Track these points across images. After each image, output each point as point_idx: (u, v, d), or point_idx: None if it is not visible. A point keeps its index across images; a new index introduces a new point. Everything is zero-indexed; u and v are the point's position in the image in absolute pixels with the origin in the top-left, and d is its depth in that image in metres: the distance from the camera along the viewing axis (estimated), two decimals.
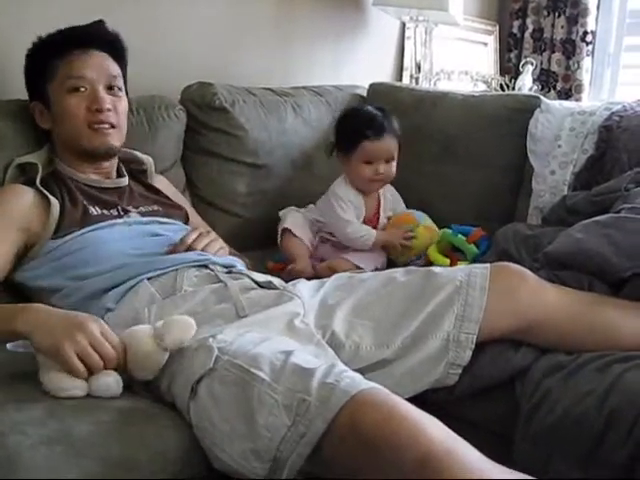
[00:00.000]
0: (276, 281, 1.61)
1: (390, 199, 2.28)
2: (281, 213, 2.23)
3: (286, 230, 2.14)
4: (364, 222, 2.17)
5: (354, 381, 1.14)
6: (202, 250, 1.64)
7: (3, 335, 1.30)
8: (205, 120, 2.27)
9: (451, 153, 2.45)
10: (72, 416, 1.19)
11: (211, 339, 1.29)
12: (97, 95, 1.69)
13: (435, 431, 1.05)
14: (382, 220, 2.23)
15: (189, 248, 1.63)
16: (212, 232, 1.75)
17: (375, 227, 2.19)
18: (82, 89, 1.68)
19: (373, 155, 2.11)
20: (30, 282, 1.61)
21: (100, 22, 1.76)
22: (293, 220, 2.16)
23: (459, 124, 2.47)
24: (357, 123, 2.14)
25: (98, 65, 1.71)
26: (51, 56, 1.70)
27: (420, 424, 1.05)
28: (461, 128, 2.46)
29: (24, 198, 1.62)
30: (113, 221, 1.68)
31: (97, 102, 1.68)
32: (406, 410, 1.08)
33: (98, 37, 1.73)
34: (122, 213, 1.72)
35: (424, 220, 2.19)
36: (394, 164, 2.16)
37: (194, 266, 1.59)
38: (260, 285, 1.57)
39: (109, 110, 1.71)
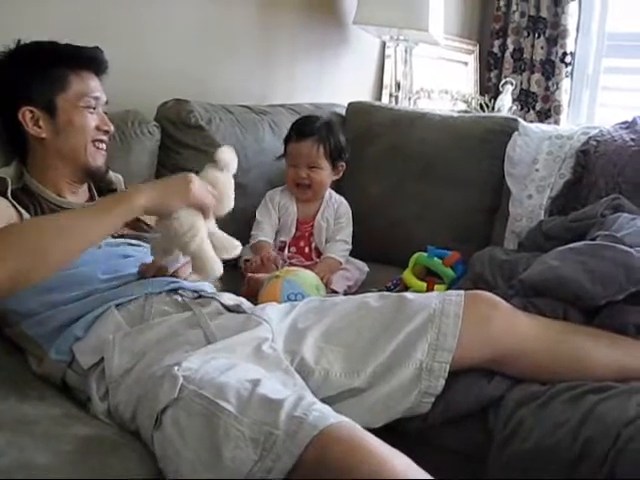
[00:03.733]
0: (245, 304, 1.59)
1: (332, 208, 2.32)
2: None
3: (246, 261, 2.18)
4: (296, 226, 2.27)
5: (323, 414, 1.11)
6: (173, 274, 1.60)
7: (120, 217, 1.34)
8: (180, 138, 2.25)
9: (429, 173, 2.45)
10: (33, 446, 1.16)
11: (176, 367, 1.26)
12: (104, 117, 1.73)
13: (399, 466, 1.03)
14: (318, 225, 2.28)
15: (160, 270, 1.59)
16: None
17: (309, 233, 2.28)
18: (94, 109, 1.70)
19: (294, 157, 2.24)
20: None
21: (98, 49, 1.76)
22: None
23: (437, 145, 2.47)
24: (292, 126, 2.27)
25: (100, 89, 1.74)
26: (65, 66, 1.68)
27: (384, 458, 1.03)
28: (439, 149, 2.46)
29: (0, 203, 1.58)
30: None
31: (106, 123, 1.72)
32: (372, 444, 1.06)
33: (103, 63, 1.74)
34: None
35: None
36: (321, 173, 2.24)
37: (164, 291, 1.56)
38: (229, 309, 1.55)
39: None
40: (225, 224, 2.20)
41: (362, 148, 2.53)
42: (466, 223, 2.37)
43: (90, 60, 1.72)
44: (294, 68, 2.97)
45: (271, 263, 2.08)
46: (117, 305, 1.49)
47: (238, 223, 2.22)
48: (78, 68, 1.69)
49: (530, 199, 2.20)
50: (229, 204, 1.52)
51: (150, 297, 1.53)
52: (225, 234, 1.53)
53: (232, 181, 1.54)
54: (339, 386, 1.45)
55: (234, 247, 1.53)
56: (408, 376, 1.46)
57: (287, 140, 2.27)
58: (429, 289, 1.98)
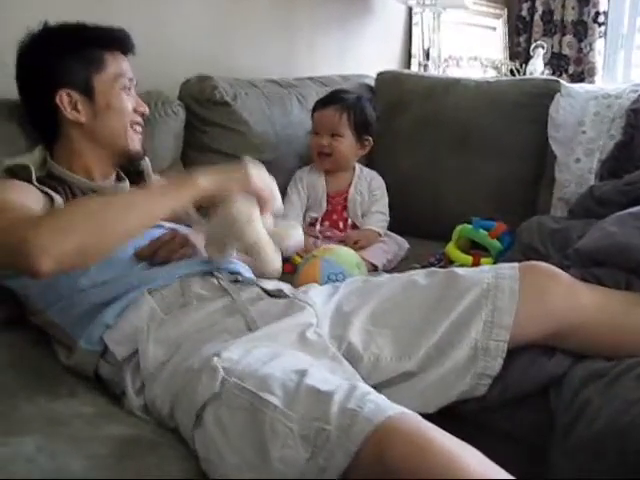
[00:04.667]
0: (286, 288, 1.51)
1: (365, 182, 2.29)
2: None
3: None
4: (327, 200, 2.24)
5: (379, 406, 1.02)
6: (168, 258, 1.51)
7: (184, 198, 1.35)
8: (205, 115, 2.19)
9: (466, 143, 2.39)
10: (65, 451, 1.08)
11: (215, 358, 1.18)
12: (138, 98, 1.70)
13: (472, 464, 0.94)
14: (352, 199, 2.25)
15: (156, 253, 1.50)
16: (191, 236, 1.60)
17: (342, 207, 2.25)
18: (128, 90, 1.67)
19: (317, 124, 2.23)
20: (21, 290, 1.50)
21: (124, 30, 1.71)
22: None
23: (474, 112, 2.41)
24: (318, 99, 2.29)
25: (131, 70, 1.70)
26: (99, 47, 1.63)
27: (454, 455, 0.95)
28: (476, 116, 2.40)
29: (29, 189, 1.50)
30: None
31: (142, 105, 1.70)
32: (438, 439, 0.97)
33: (132, 44, 1.69)
34: None
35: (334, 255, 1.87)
36: (343, 141, 2.21)
37: (198, 274, 1.49)
38: (269, 294, 1.48)
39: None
40: None
41: (394, 119, 2.48)
42: (509, 192, 2.32)
43: (121, 40, 1.67)
44: (317, 39, 2.91)
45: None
46: (149, 290, 1.42)
47: None
48: (112, 49, 1.65)
49: (578, 163, 2.13)
50: (274, 201, 1.48)
51: (185, 280, 1.46)
52: (284, 229, 1.51)
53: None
54: (390, 371, 1.38)
55: (296, 239, 1.51)
56: (463, 357, 1.39)
57: (314, 110, 2.26)
58: (475, 263, 1.92)
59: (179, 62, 2.30)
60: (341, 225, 2.23)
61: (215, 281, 1.49)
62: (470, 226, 2.02)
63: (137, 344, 1.33)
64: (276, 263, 1.42)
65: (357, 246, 2.06)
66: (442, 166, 2.41)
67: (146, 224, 1.34)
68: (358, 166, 2.30)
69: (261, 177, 1.43)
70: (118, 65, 1.64)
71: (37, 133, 1.68)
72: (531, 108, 2.31)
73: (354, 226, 2.24)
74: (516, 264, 1.50)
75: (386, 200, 2.29)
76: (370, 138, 2.25)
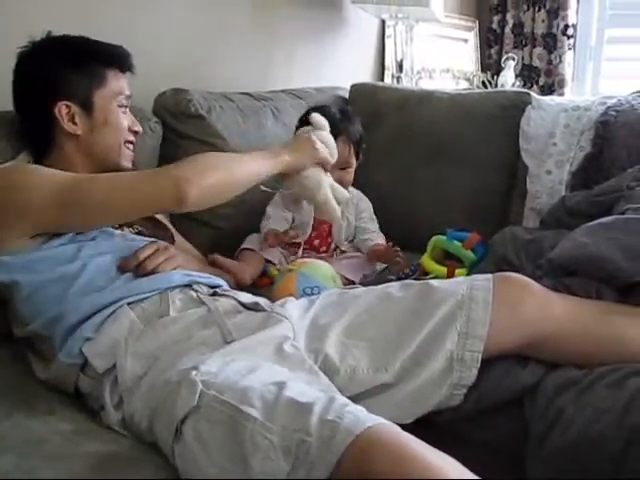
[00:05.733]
0: (263, 301, 1.52)
1: (352, 207, 2.23)
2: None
3: (242, 250, 2.10)
4: (313, 226, 2.14)
5: (358, 417, 1.04)
6: (154, 269, 1.52)
7: (274, 167, 1.65)
8: (180, 129, 2.19)
9: (440, 154, 2.40)
10: (42, 468, 1.08)
11: (194, 371, 1.18)
12: (133, 118, 1.73)
13: (451, 474, 0.96)
14: (338, 225, 2.17)
15: (141, 264, 1.51)
16: (171, 248, 1.62)
17: (326, 233, 2.17)
18: (125, 108, 1.69)
19: None
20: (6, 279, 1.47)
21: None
22: (251, 239, 2.13)
23: (447, 124, 2.42)
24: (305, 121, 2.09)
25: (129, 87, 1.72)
26: (101, 63, 1.64)
27: (435, 467, 0.96)
28: (449, 128, 2.41)
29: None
30: (114, 231, 1.59)
31: (137, 125, 1.73)
32: (419, 451, 0.98)
33: (131, 62, 1.71)
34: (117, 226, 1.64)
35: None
36: (350, 171, 2.14)
37: (178, 286, 1.50)
38: (246, 307, 1.48)
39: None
40: (230, 217, 2.16)
41: (368, 131, 2.44)
42: (482, 203, 2.33)
43: (122, 58, 1.69)
44: (293, 52, 2.91)
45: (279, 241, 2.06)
46: (130, 303, 1.42)
47: (244, 216, 2.18)
48: (113, 65, 1.66)
49: (549, 175, 2.15)
50: (335, 156, 1.79)
51: (164, 293, 1.47)
52: (336, 184, 1.80)
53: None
54: (367, 383, 1.39)
55: (345, 195, 1.81)
56: (438, 368, 1.40)
57: None
58: (450, 274, 1.92)
59: (153, 74, 2.24)
60: (323, 249, 2.18)
61: (193, 293, 1.49)
62: (444, 237, 2.01)
63: (115, 358, 1.33)
64: (338, 213, 1.77)
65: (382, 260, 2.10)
66: (416, 178, 2.41)
67: (253, 179, 1.60)
68: None
69: (323, 147, 1.73)
70: (118, 83, 1.66)
71: (26, 143, 1.67)
72: (503, 120, 2.32)
73: (337, 249, 2.20)
74: (490, 275, 1.51)
75: (371, 214, 2.26)
76: (360, 155, 2.20)
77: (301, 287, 1.74)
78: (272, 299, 1.61)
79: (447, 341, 1.41)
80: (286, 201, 1.87)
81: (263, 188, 1.77)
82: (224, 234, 2.19)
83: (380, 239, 2.17)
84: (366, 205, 2.26)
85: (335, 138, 1.95)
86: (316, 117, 1.79)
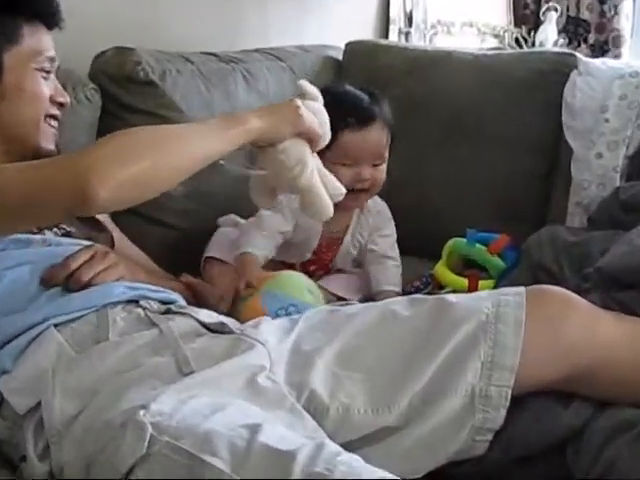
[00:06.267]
0: (230, 322, 1.54)
1: (369, 220, 2.18)
2: (220, 220, 2.19)
3: (209, 259, 2.09)
4: (317, 248, 2.12)
5: (353, 469, 1.05)
6: (90, 281, 1.52)
7: (237, 138, 1.48)
8: (125, 99, 2.21)
9: (460, 133, 2.43)
10: None
11: (142, 411, 1.19)
12: (59, 85, 1.72)
13: None
14: (347, 245, 2.15)
15: (72, 275, 1.52)
16: (112, 253, 1.64)
17: (329, 259, 2.15)
18: (47, 74, 1.68)
19: (357, 152, 2.02)
20: None
21: None
22: (220, 240, 2.11)
23: (470, 93, 2.45)
24: (336, 104, 1.94)
25: (54, 47, 1.70)
26: (16, 14, 1.64)
27: None
28: (472, 99, 2.44)
29: None
30: (30, 236, 1.59)
31: (64, 95, 1.73)
32: None
33: (60, 16, 1.71)
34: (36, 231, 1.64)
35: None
36: (383, 169, 2.08)
37: (121, 302, 1.51)
38: (209, 328, 1.49)
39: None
40: (190, 213, 2.18)
41: None
42: (514, 196, 2.36)
43: (47, 10, 1.68)
44: (267, 3, 2.93)
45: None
46: (57, 325, 1.43)
47: (208, 209, 2.20)
48: (32, 17, 1.66)
49: (600, 159, 2.18)
50: (328, 136, 1.67)
51: (102, 311, 1.47)
52: (329, 173, 1.67)
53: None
54: (364, 427, 1.40)
55: (340, 191, 1.65)
56: (457, 408, 1.41)
57: (339, 128, 1.95)
58: (472, 287, 1.94)
59: (90, 30, 2.28)
60: (319, 273, 2.18)
61: (141, 311, 1.50)
62: (464, 240, 2.04)
63: (40, 394, 1.33)
64: (330, 208, 1.60)
65: None
66: (428, 163, 2.44)
67: (203, 158, 1.44)
68: None
69: (310, 115, 1.57)
70: (38, 40, 1.65)
71: None
72: (541, 89, 2.35)
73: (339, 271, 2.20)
74: (522, 288, 1.52)
75: (395, 239, 2.20)
76: None
77: (272, 310, 1.73)
78: (241, 322, 1.62)
79: (468, 373, 1.42)
80: (257, 190, 1.64)
81: (222, 162, 1.64)
82: (181, 235, 2.22)
83: (392, 281, 2.11)
84: (386, 217, 2.21)
85: (366, 125, 2.00)
86: (307, 86, 1.68)
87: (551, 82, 2.35)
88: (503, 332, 1.44)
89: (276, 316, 1.70)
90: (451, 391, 1.41)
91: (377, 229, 2.18)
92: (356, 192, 2.02)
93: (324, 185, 1.63)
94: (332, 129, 1.82)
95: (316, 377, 1.44)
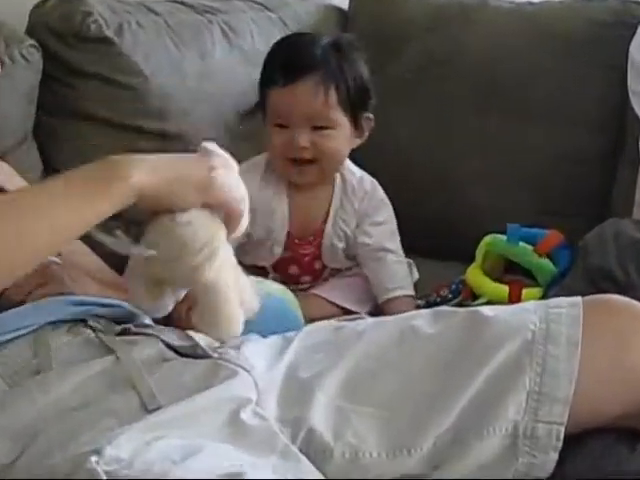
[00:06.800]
0: (205, 342, 1.52)
1: (354, 204, 2.19)
2: None
3: None
4: (287, 243, 2.16)
5: None
6: (26, 299, 1.54)
7: (109, 205, 1.33)
8: (73, 59, 2.22)
9: (495, 104, 2.45)
10: None
11: (94, 457, 1.18)
12: None
13: None
14: (328, 244, 2.17)
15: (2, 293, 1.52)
16: (53, 265, 1.64)
17: (311, 256, 2.18)
18: None
19: (283, 112, 2.09)
20: None
21: None
22: None
23: (508, 51, 2.45)
24: (270, 58, 2.15)
25: None
26: None
27: None
28: (512, 58, 2.44)
29: None
30: None
31: None
32: None
33: None
34: None
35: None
36: (335, 135, 2.10)
37: (64, 322, 1.50)
38: (178, 352, 1.49)
39: None
40: None
41: (381, 64, 2.48)
42: (566, 183, 2.37)
43: None
44: None
45: None
46: None
47: None
48: None
49: None
50: (246, 221, 1.51)
51: (42, 334, 1.46)
52: (247, 279, 1.53)
53: None
54: (377, 473, 1.39)
55: (253, 305, 1.52)
56: (494, 451, 1.40)
57: (266, 83, 2.14)
58: (513, 296, 1.95)
59: None
60: (306, 279, 2.20)
61: (90, 333, 1.50)
62: (504, 237, 2.05)
63: None
64: (238, 325, 1.47)
65: None
66: (456, 142, 2.46)
67: (56, 243, 1.37)
68: (346, 167, 2.21)
69: (231, 182, 1.45)
70: None
71: None
72: (601, 46, 2.35)
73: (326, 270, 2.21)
74: (579, 299, 1.52)
75: (395, 224, 2.23)
76: (370, 115, 2.17)
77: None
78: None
79: (509, 407, 1.41)
80: (137, 279, 1.49)
81: (118, 232, 1.58)
82: None
83: (399, 280, 2.14)
84: (379, 200, 2.24)
85: (292, 79, 2.03)
86: (212, 148, 1.51)
87: (613, 37, 2.35)
88: (554, 355, 1.43)
89: None
90: (487, 430, 1.40)
91: (366, 215, 2.20)
92: (299, 164, 2.09)
93: (237, 290, 1.49)
94: (262, 85, 2.07)
95: (316, 412, 1.43)
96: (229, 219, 1.44)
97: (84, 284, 1.65)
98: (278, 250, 2.15)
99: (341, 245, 2.18)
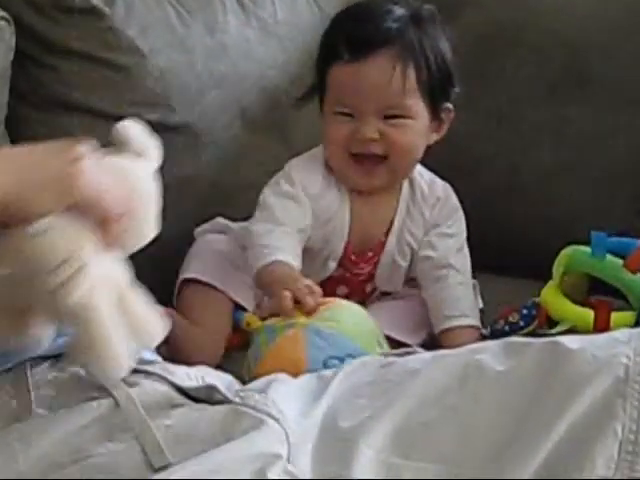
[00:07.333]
0: (223, 383, 1.55)
1: (424, 211, 2.22)
2: (198, 230, 2.26)
3: (187, 282, 2.15)
4: (344, 255, 2.18)
5: None
6: None
7: None
8: (51, 36, 2.24)
9: (576, 84, 2.48)
10: None
11: None
12: None
13: None
14: (386, 263, 2.20)
15: None
16: None
17: (365, 276, 2.20)
18: None
19: (346, 94, 2.09)
20: None
21: None
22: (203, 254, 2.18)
23: (594, 22, 2.48)
24: (332, 28, 2.15)
25: None
26: None
27: None
28: (598, 32, 2.46)
29: None
30: None
31: None
32: None
33: None
34: None
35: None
36: (404, 125, 2.10)
37: (47, 357, 1.54)
38: (190, 396, 1.51)
39: None
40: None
41: None
42: None
43: None
44: None
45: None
46: None
47: (184, 208, 2.22)
48: None
49: None
50: (150, 225, 1.49)
51: (20, 373, 1.49)
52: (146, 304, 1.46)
53: (154, 182, 1.50)
54: None
55: (152, 335, 1.47)
56: None
57: (325, 58, 2.14)
58: (600, 323, 1.95)
59: None
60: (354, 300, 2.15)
61: (80, 369, 1.51)
62: (587, 250, 2.04)
63: None
64: (124, 364, 1.38)
65: None
66: (526, 130, 2.49)
67: None
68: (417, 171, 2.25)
69: (99, 179, 1.36)
70: None
71: None
72: None
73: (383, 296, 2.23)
74: None
75: (463, 241, 2.24)
76: (451, 106, 2.22)
77: (316, 358, 1.75)
78: (248, 376, 1.64)
79: (596, 459, 1.40)
80: None
81: None
82: (144, 251, 2.23)
83: (466, 308, 2.14)
84: (457, 218, 2.26)
85: (360, 54, 2.02)
86: (127, 129, 1.47)
87: None
88: None
89: (322, 368, 1.71)
90: None
91: (435, 226, 2.21)
92: (363, 161, 2.08)
93: (127, 318, 1.40)
94: (323, 62, 2.04)
95: (361, 469, 1.43)
96: (105, 224, 1.36)
97: None
98: (332, 265, 2.16)
99: (404, 264, 2.20)
